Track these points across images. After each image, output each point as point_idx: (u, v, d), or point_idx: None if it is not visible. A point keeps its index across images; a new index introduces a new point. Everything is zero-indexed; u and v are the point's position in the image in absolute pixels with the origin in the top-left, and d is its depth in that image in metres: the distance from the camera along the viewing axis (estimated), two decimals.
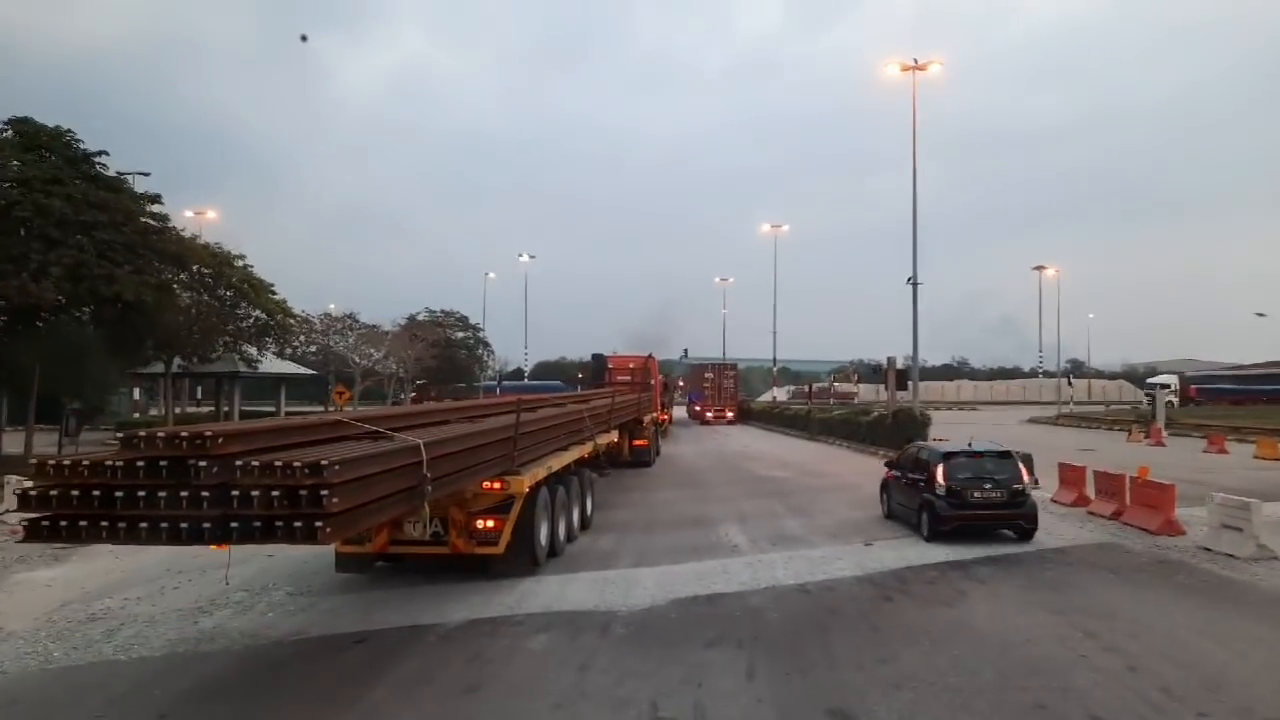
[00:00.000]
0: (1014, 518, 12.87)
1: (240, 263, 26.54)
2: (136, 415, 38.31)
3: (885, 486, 15.72)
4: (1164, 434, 36.91)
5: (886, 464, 16.33)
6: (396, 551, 10.02)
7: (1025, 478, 13.48)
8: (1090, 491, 15.93)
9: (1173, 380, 73.96)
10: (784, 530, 14.18)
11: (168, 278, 20.30)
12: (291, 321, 29.57)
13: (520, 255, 71.67)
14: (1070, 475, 16.49)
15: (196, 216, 46.47)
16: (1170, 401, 61.39)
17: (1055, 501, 16.43)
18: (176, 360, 26.25)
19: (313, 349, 52.06)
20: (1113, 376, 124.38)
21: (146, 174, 38.81)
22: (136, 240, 18.98)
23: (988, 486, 12.84)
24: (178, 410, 47.64)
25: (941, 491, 12.78)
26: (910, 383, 28.77)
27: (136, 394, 39.34)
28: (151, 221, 20.51)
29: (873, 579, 10.53)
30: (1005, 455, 13.91)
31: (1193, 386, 72.17)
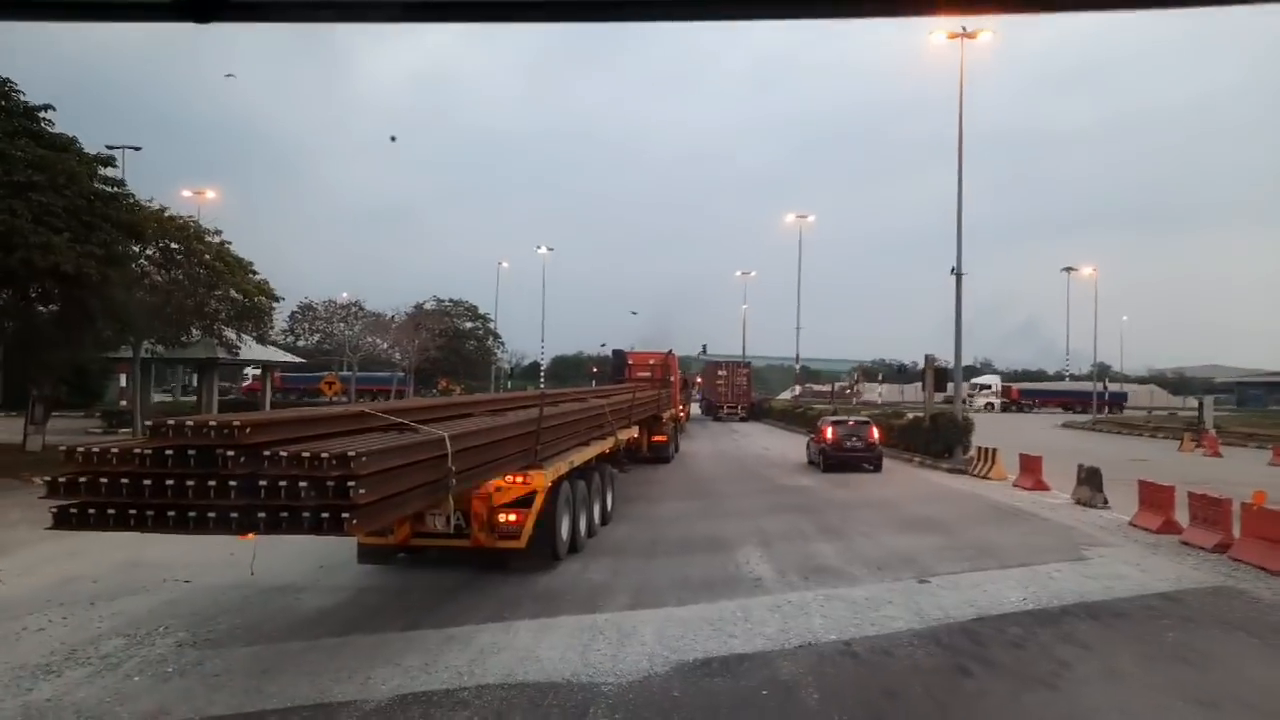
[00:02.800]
0: (868, 459, 22.89)
1: (216, 239, 24.38)
2: (123, 403, 36.37)
3: (808, 446, 25.92)
4: (1219, 443, 34.09)
5: (810, 433, 26.76)
6: (419, 544, 9.98)
7: (874, 436, 23.28)
8: (1179, 516, 13.39)
9: (995, 381, 71.17)
10: (816, 558, 11.76)
11: (120, 249, 18.07)
12: (273, 304, 27.34)
13: (538, 248, 69.66)
14: (1154, 496, 13.94)
15: (196, 196, 44.81)
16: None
17: (1137, 526, 13.90)
18: (147, 344, 24.15)
19: (315, 337, 50.16)
20: (1141, 381, 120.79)
21: (137, 148, 36.91)
22: (81, 205, 16.73)
23: (854, 439, 23.00)
24: (171, 399, 45.85)
25: (829, 443, 23.03)
26: (951, 384, 26.18)
27: (124, 380, 37.41)
28: (104, 187, 18.32)
29: (937, 636, 8.10)
30: (864, 423, 24.36)
31: (1014, 388, 69.93)
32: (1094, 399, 65.60)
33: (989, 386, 70.91)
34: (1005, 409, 72.41)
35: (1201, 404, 46.55)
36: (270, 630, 8.12)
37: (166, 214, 22.99)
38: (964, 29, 23.89)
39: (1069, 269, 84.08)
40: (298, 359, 36.33)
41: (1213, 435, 35.47)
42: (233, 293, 24.34)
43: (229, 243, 24.76)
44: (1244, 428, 45.90)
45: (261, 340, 28.18)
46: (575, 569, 10.81)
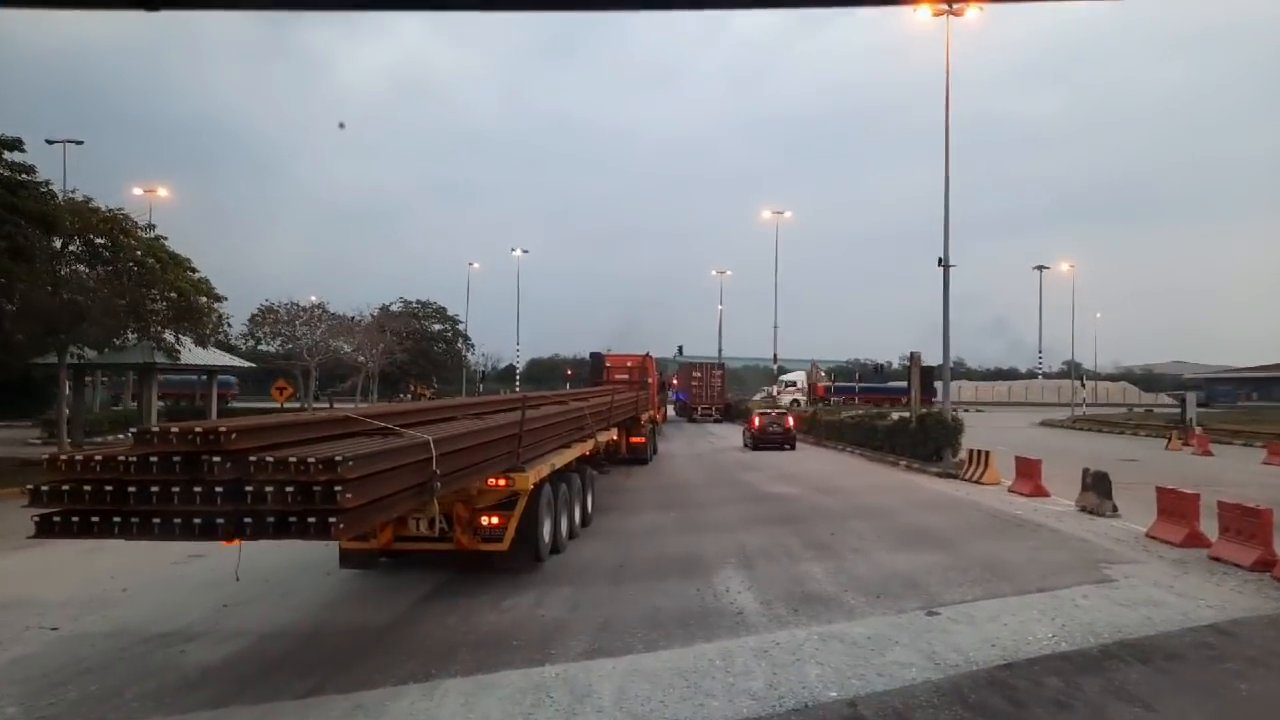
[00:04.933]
0: (784, 441, 31.48)
1: (150, 233, 22.45)
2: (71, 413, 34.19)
3: (743, 433, 34.59)
4: (1209, 441, 33.13)
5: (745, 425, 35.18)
6: (401, 548, 9.86)
7: (789, 424, 32.62)
8: (1205, 527, 12.06)
9: (800, 377, 70.15)
10: (806, 582, 10.27)
11: (29, 243, 16.19)
12: (214, 305, 25.40)
13: (513, 250, 67.89)
14: (1175, 504, 12.58)
15: (146, 195, 42.64)
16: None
17: (1155, 538, 12.55)
18: (75, 349, 22.16)
19: (276, 341, 48.09)
20: (1111, 378, 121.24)
21: (79, 142, 34.77)
22: None
23: (774, 426, 31.94)
24: (121, 408, 43.54)
25: (755, 430, 31.90)
26: (938, 383, 24.82)
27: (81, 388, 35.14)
28: (8, 174, 16.42)
29: (961, 692, 6.61)
30: (783, 414, 34.54)
31: (820, 385, 69.21)
32: (912, 394, 64.85)
33: (794, 383, 69.68)
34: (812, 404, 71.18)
35: (1184, 401, 45.80)
36: (129, 699, 6.46)
37: (91, 206, 21.06)
38: (950, 5, 22.62)
39: (1041, 267, 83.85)
40: (245, 363, 34.32)
41: (1202, 434, 34.53)
42: (170, 292, 22.41)
43: (163, 238, 22.86)
44: (1224, 424, 45.21)
45: (202, 343, 26.22)
46: (528, 602, 9.25)
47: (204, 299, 23.88)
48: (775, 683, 6.83)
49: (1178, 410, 47.62)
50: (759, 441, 31.71)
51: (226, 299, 25.64)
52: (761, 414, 33.76)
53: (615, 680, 6.87)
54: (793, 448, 31.58)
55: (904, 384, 78.70)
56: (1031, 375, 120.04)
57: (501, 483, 9.66)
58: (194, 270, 23.66)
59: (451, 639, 7.92)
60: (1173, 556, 11.48)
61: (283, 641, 7.92)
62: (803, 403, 60.44)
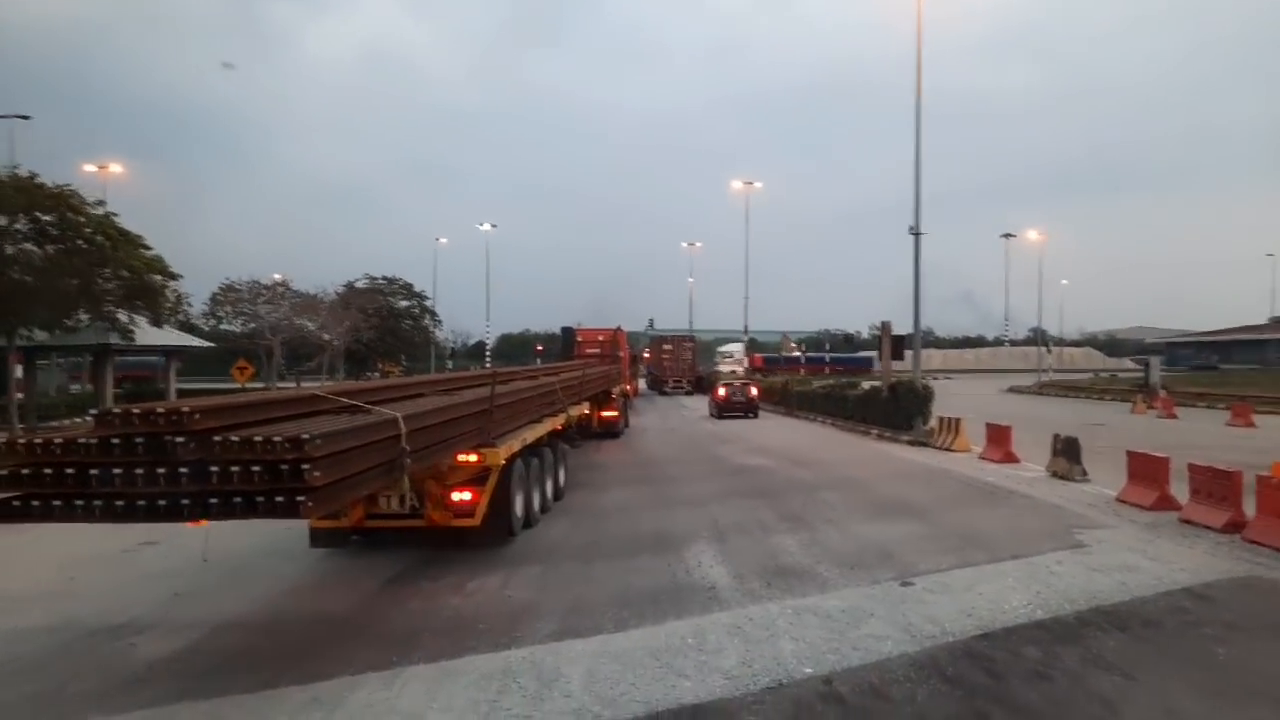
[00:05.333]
0: (747, 409, 33.19)
1: (100, 210, 21.61)
2: (20, 396, 33.22)
3: (709, 403, 36.12)
4: (1174, 405, 33.56)
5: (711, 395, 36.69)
6: (373, 526, 9.81)
7: (752, 394, 34.21)
8: (1175, 490, 12.06)
9: (738, 349, 70.29)
10: (780, 555, 10.10)
11: None
12: (169, 283, 24.61)
13: (481, 225, 66.90)
14: (1145, 468, 12.57)
15: (99, 172, 41.34)
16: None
17: (1126, 502, 12.54)
18: (24, 331, 21.38)
19: (239, 320, 47.12)
20: (1076, 344, 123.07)
21: (26, 117, 33.51)
22: None
23: (738, 396, 33.63)
24: (80, 389, 42.44)
25: (721, 400, 33.59)
26: (909, 351, 24.77)
27: (20, 371, 34.08)
28: None
29: (938, 663, 6.46)
30: (746, 384, 35.81)
31: (758, 356, 69.87)
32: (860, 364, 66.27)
33: (731, 355, 69.94)
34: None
35: (1148, 365, 46.56)
36: (68, 698, 6.12)
37: (37, 183, 20.18)
38: None
39: (1008, 235, 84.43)
40: (204, 343, 33.45)
41: (1166, 396, 34.99)
42: (122, 271, 21.62)
43: (114, 215, 22.01)
44: (1187, 387, 45.93)
45: (158, 323, 25.44)
46: (495, 584, 8.98)
47: (158, 277, 23.13)
48: (749, 660, 6.64)
49: (1142, 375, 48.33)
50: (724, 410, 33.62)
51: (182, 277, 24.92)
52: (726, 385, 35.52)
53: (584, 662, 6.64)
54: (755, 416, 33.59)
55: (849, 354, 79.48)
56: (999, 342, 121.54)
57: (473, 458, 9.54)
58: (147, 248, 22.87)
59: (414, 624, 7.64)
60: (1144, 520, 11.47)
61: (237, 632, 7.59)
62: (740, 373, 60.57)
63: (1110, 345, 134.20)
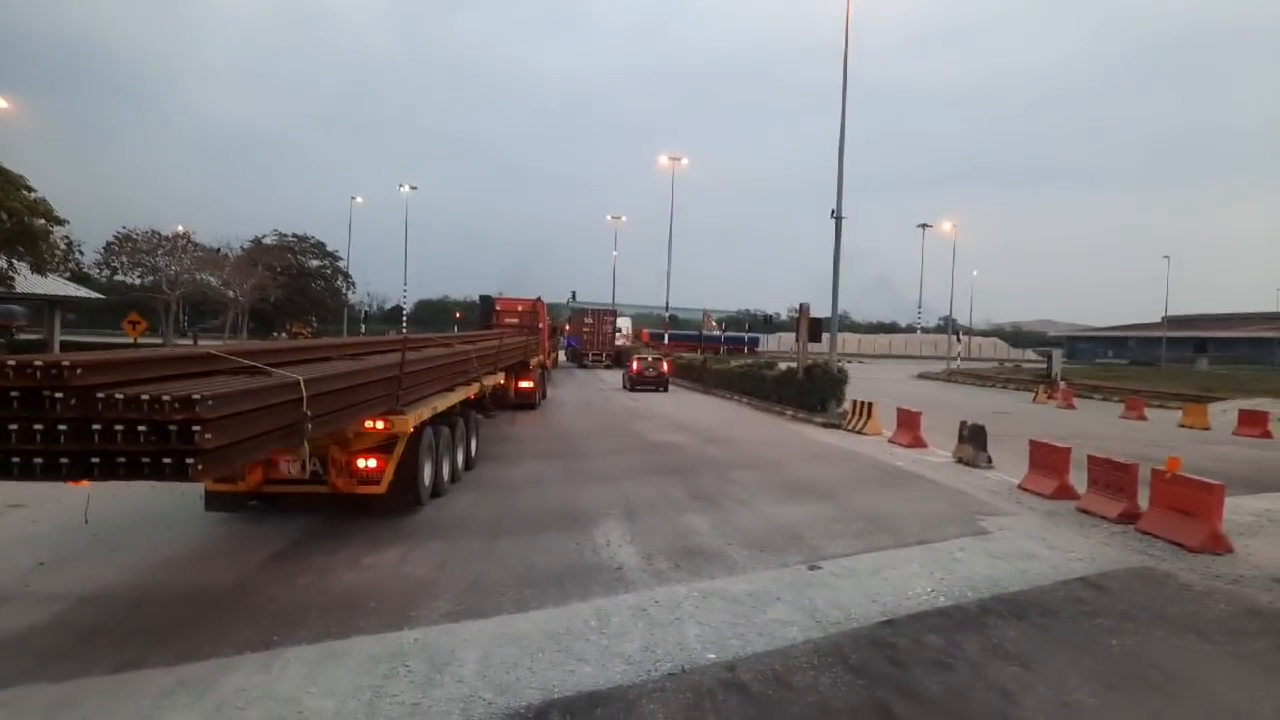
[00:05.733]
0: (658, 383, 35.22)
1: None
2: None
3: (623, 376, 37.67)
4: (1073, 396, 34.95)
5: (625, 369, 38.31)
6: (272, 491, 9.54)
7: (664, 369, 36.04)
8: (1074, 480, 12.40)
9: (626, 324, 71.44)
10: (689, 535, 9.95)
11: None
12: (53, 228, 22.93)
13: (401, 186, 64.78)
14: (1047, 457, 12.90)
15: None
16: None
17: (1027, 490, 12.85)
18: None
19: (137, 272, 44.63)
20: (984, 334, 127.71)
21: None
22: None
23: (650, 370, 35.35)
24: None
25: (635, 373, 35.27)
26: (827, 335, 24.99)
27: None
28: None
29: (842, 651, 6.38)
30: (659, 359, 36.86)
31: (645, 331, 72.09)
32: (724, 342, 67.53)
33: (621, 329, 70.79)
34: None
35: (1050, 357, 48.38)
36: None
37: None
38: None
39: (924, 225, 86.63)
40: (92, 294, 31.44)
41: (1067, 388, 36.41)
42: (0, 214, 19.97)
43: None
44: (1086, 380, 47.98)
45: (40, 270, 23.68)
46: (392, 559, 8.57)
47: (41, 221, 21.51)
48: (651, 644, 6.45)
49: (1044, 366, 50.28)
50: (636, 383, 35.52)
51: (68, 222, 23.17)
52: (639, 359, 37.18)
53: (480, 645, 6.34)
54: (666, 390, 35.60)
55: (735, 334, 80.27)
56: (911, 329, 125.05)
57: (380, 425, 9.27)
58: (30, 189, 21.22)
59: (301, 601, 7.19)
60: (1044, 509, 11.75)
61: (103, 606, 7.01)
62: (627, 347, 60.58)
63: (1015, 336, 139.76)
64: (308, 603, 7.15)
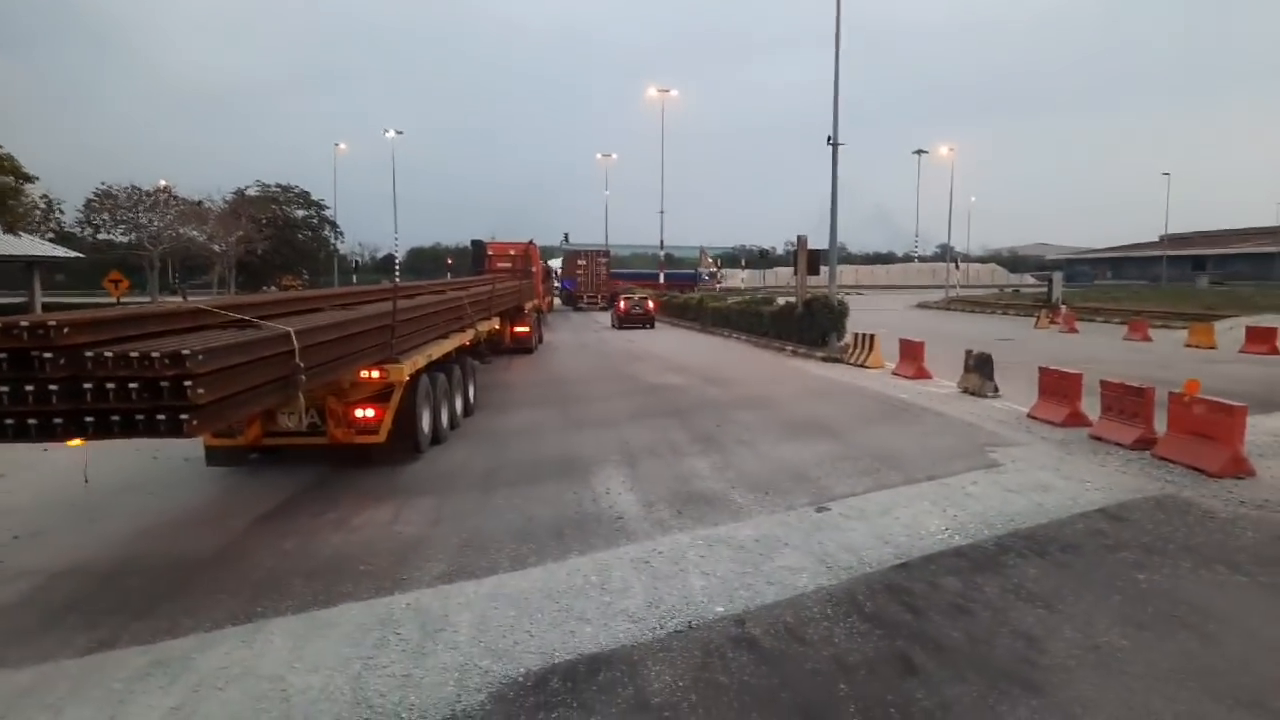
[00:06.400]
0: (645, 322, 36.87)
1: None
2: None
3: (611, 315, 39.20)
4: (1075, 319, 34.53)
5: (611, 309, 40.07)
6: (272, 444, 9.67)
7: (650, 308, 37.67)
8: (1086, 407, 12.05)
9: (556, 265, 68.60)
10: (690, 480, 9.62)
11: None
12: (22, 185, 22.16)
13: (386, 131, 63.07)
14: (1057, 384, 12.52)
15: None
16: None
17: (1037, 419, 12.50)
18: None
19: (120, 230, 43.75)
20: (981, 260, 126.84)
21: None
22: None
23: (637, 309, 36.95)
24: None
25: (621, 312, 36.85)
26: (826, 268, 24.44)
27: None
28: None
29: (856, 599, 6.06)
30: (645, 299, 38.34)
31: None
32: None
33: (557, 270, 69.06)
34: None
35: (1051, 281, 47.86)
36: None
37: None
38: None
39: (920, 151, 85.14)
40: (69, 253, 30.61)
41: (1070, 313, 35.98)
42: None
43: None
44: (1086, 303, 47.54)
45: (11, 230, 22.96)
46: (383, 518, 8.23)
47: (9, 179, 20.73)
48: (656, 600, 6.12)
49: (1044, 290, 49.79)
50: (624, 322, 37.19)
51: (37, 179, 22.45)
52: (626, 298, 38.63)
53: (476, 607, 6.01)
54: (652, 326, 37.40)
55: (679, 271, 78.74)
56: (908, 259, 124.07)
57: (375, 375, 9.36)
58: None
59: (286, 567, 6.86)
60: (1055, 437, 11.42)
61: (77, 580, 6.66)
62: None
63: (1013, 262, 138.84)
64: (294, 569, 6.82)
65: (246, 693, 4.82)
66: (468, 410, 13.83)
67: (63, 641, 5.52)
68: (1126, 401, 10.76)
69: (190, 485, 9.68)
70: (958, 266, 70.15)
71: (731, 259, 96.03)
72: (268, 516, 8.33)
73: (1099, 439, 10.98)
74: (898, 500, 8.61)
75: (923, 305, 58.35)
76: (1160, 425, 10.33)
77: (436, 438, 11.38)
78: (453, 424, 12.43)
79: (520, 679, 4.95)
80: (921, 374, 17.67)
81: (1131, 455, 10.17)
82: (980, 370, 15.26)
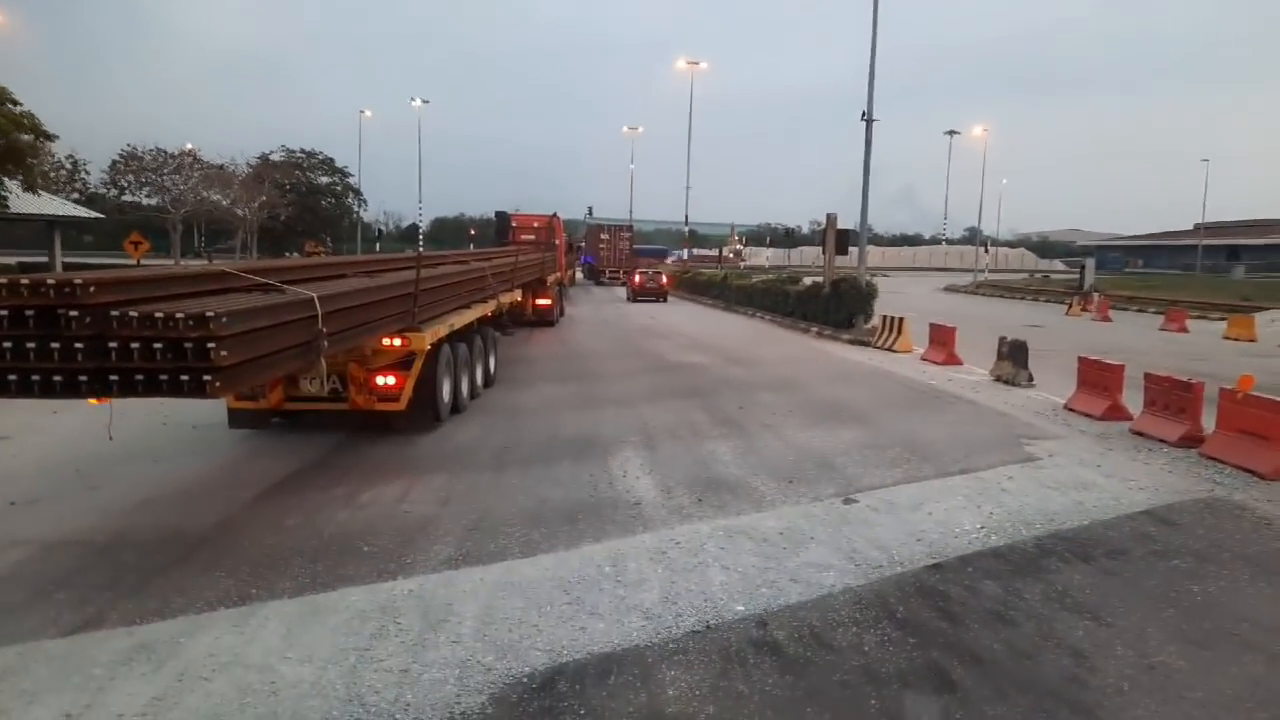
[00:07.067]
0: (658, 294, 39.09)
1: None
2: None
3: (626, 287, 42.24)
4: (1108, 307, 33.68)
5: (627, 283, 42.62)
6: (293, 408, 9.68)
7: (663, 282, 40.13)
8: (1126, 400, 11.52)
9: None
10: (711, 464, 9.23)
11: None
12: (43, 143, 21.96)
13: (413, 100, 62.52)
14: (1097, 375, 11.98)
15: None
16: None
17: (1075, 411, 11.99)
18: None
19: (144, 191, 43.71)
20: (1011, 245, 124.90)
21: None
22: None
23: (651, 284, 39.17)
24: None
25: (636, 286, 39.26)
26: (854, 248, 23.80)
27: None
28: None
29: (888, 603, 5.66)
30: (658, 274, 40.98)
31: None
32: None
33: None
34: None
35: (1083, 268, 46.84)
36: None
37: None
38: None
39: (952, 132, 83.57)
40: (90, 213, 30.50)
41: (1102, 299, 35.11)
42: None
43: None
44: (1119, 290, 46.48)
45: (32, 188, 22.79)
46: (391, 495, 7.91)
47: (28, 137, 20.53)
48: (673, 594, 5.76)
49: (1074, 276, 48.74)
50: (638, 295, 39.30)
51: (57, 137, 22.22)
52: (641, 273, 40.84)
53: (482, 597, 5.68)
54: (665, 301, 39.23)
55: (648, 247, 77.06)
56: (935, 241, 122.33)
57: (397, 342, 9.32)
58: (15, 103, 20.15)
59: (288, 545, 6.56)
60: (1095, 431, 10.91)
61: (71, 553, 6.39)
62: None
63: (1042, 247, 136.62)
64: (296, 548, 6.51)
65: (233, 684, 4.50)
66: (488, 381, 13.76)
67: (48, 619, 5.24)
68: (1172, 396, 10.23)
69: (197, 453, 9.43)
70: (987, 250, 68.94)
71: (757, 237, 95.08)
72: (273, 490, 8.05)
73: (1141, 434, 10.46)
74: (929, 494, 8.18)
75: (950, 289, 57.41)
76: (1207, 422, 9.81)
77: (456, 407, 11.35)
78: (473, 394, 12.40)
79: (525, 679, 4.61)
80: (952, 360, 17.14)
81: (1177, 453, 9.66)
82: (1014, 358, 14.72)
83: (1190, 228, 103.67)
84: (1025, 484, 8.53)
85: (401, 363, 9.57)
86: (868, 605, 5.61)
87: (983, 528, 7.17)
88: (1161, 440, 10.06)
